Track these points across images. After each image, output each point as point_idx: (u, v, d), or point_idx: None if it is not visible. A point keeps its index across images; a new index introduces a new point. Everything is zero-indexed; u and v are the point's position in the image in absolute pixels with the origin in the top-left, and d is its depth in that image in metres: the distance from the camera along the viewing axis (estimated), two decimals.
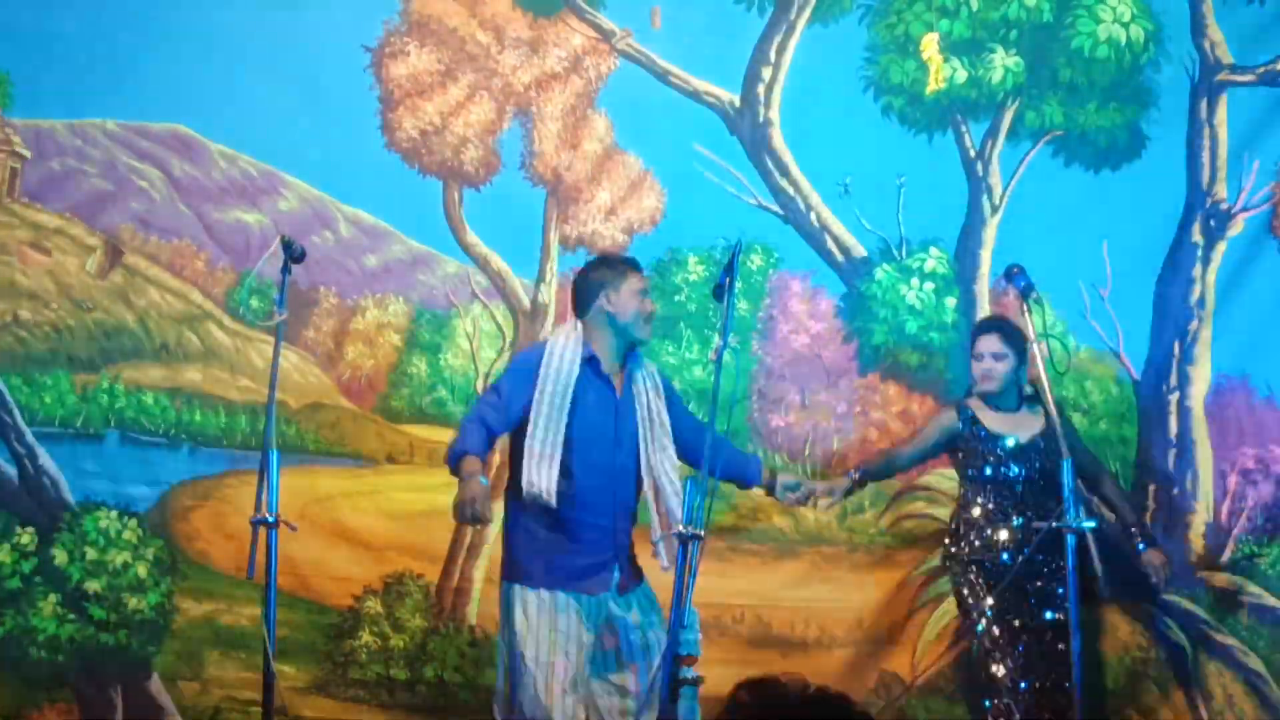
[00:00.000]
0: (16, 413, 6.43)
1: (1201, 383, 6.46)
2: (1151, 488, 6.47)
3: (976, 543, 5.61)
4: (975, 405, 5.75)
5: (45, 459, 6.44)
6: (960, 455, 5.76)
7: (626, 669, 4.99)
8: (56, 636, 6.31)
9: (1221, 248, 6.47)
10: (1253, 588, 6.36)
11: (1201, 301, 6.45)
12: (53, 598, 6.32)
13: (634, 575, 5.07)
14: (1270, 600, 6.33)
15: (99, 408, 6.48)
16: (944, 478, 6.26)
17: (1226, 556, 6.40)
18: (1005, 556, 5.54)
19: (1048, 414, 5.41)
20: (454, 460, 4.85)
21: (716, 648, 5.94)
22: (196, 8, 6.47)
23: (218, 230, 6.55)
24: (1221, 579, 6.39)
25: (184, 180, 6.53)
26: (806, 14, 6.46)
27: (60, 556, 6.35)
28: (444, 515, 6.29)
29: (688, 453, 5.11)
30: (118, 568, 6.35)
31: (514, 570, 5.00)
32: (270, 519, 4.80)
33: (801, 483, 5.48)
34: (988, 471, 5.66)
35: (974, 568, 5.60)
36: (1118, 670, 6.36)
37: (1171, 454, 6.46)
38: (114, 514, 6.39)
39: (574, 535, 4.93)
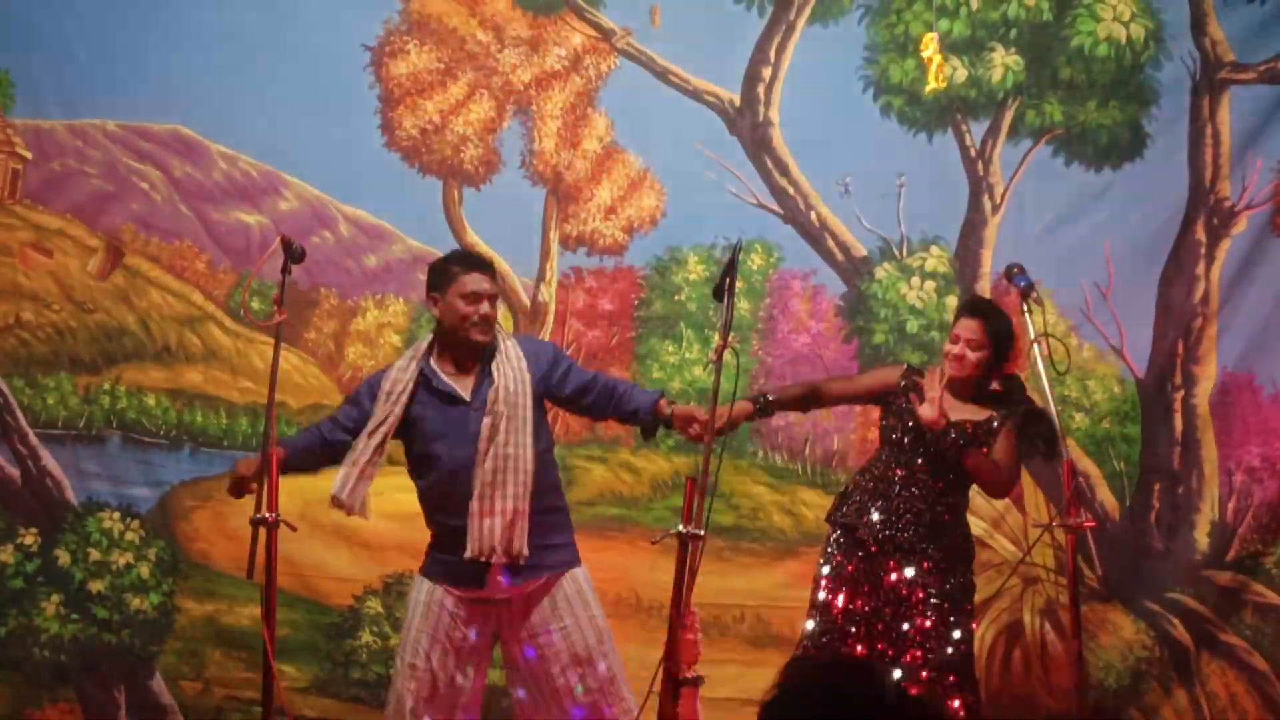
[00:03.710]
0: (19, 414, 6.45)
1: (1207, 381, 6.42)
2: (1156, 486, 6.44)
3: (847, 508, 5.08)
4: (926, 380, 5.09)
5: (48, 460, 6.46)
6: (885, 416, 5.15)
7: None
8: (59, 636, 6.34)
9: (1225, 245, 6.43)
10: (1257, 586, 6.32)
11: (1206, 299, 6.42)
12: (56, 598, 6.35)
13: (535, 569, 4.87)
14: (1274, 599, 6.29)
15: (101, 409, 6.49)
16: None
17: (1231, 555, 6.37)
18: (865, 532, 4.99)
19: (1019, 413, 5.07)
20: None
21: (716, 648, 5.95)
22: (196, 8, 6.49)
23: (218, 231, 6.56)
24: (1225, 578, 6.36)
25: (184, 181, 6.54)
26: (806, 14, 6.44)
27: (63, 557, 6.38)
28: None
29: (594, 411, 5.03)
30: (120, 568, 6.37)
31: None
32: (270, 519, 4.80)
33: (695, 411, 4.92)
34: (906, 441, 5.04)
35: (839, 532, 5.06)
36: (1121, 669, 6.34)
37: (1176, 452, 6.43)
38: (116, 515, 6.42)
39: (440, 537, 4.94)
